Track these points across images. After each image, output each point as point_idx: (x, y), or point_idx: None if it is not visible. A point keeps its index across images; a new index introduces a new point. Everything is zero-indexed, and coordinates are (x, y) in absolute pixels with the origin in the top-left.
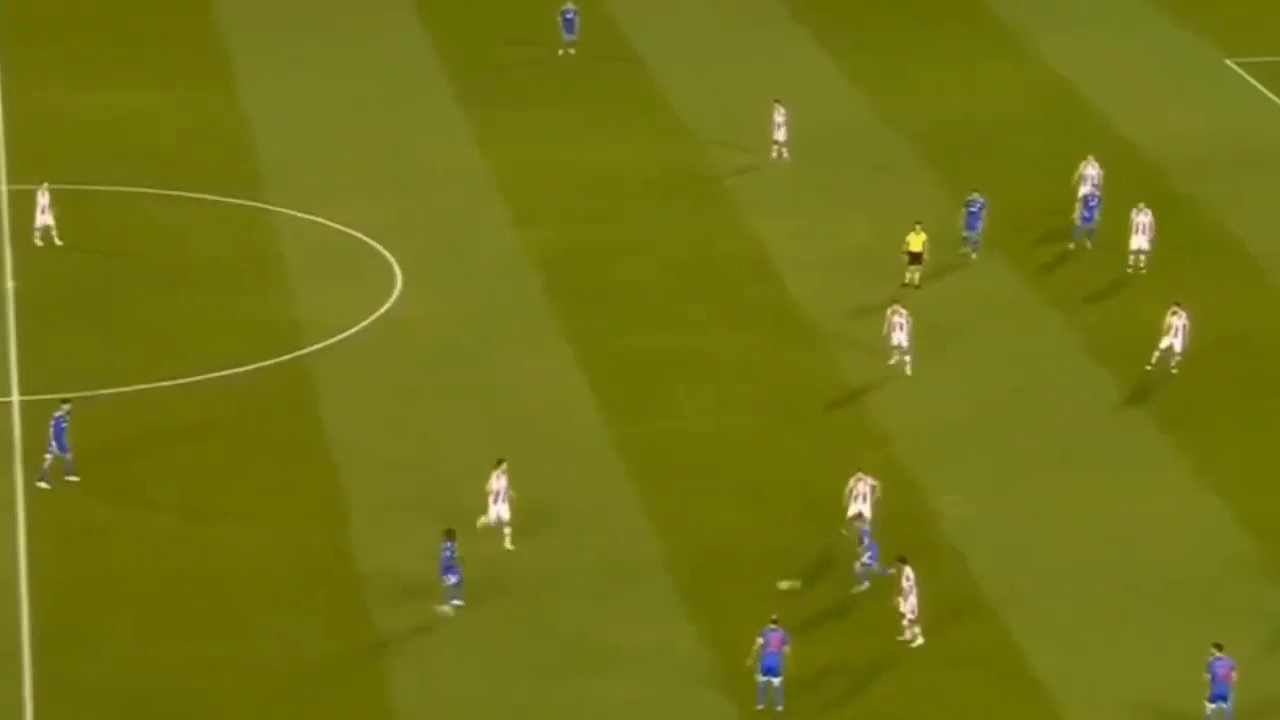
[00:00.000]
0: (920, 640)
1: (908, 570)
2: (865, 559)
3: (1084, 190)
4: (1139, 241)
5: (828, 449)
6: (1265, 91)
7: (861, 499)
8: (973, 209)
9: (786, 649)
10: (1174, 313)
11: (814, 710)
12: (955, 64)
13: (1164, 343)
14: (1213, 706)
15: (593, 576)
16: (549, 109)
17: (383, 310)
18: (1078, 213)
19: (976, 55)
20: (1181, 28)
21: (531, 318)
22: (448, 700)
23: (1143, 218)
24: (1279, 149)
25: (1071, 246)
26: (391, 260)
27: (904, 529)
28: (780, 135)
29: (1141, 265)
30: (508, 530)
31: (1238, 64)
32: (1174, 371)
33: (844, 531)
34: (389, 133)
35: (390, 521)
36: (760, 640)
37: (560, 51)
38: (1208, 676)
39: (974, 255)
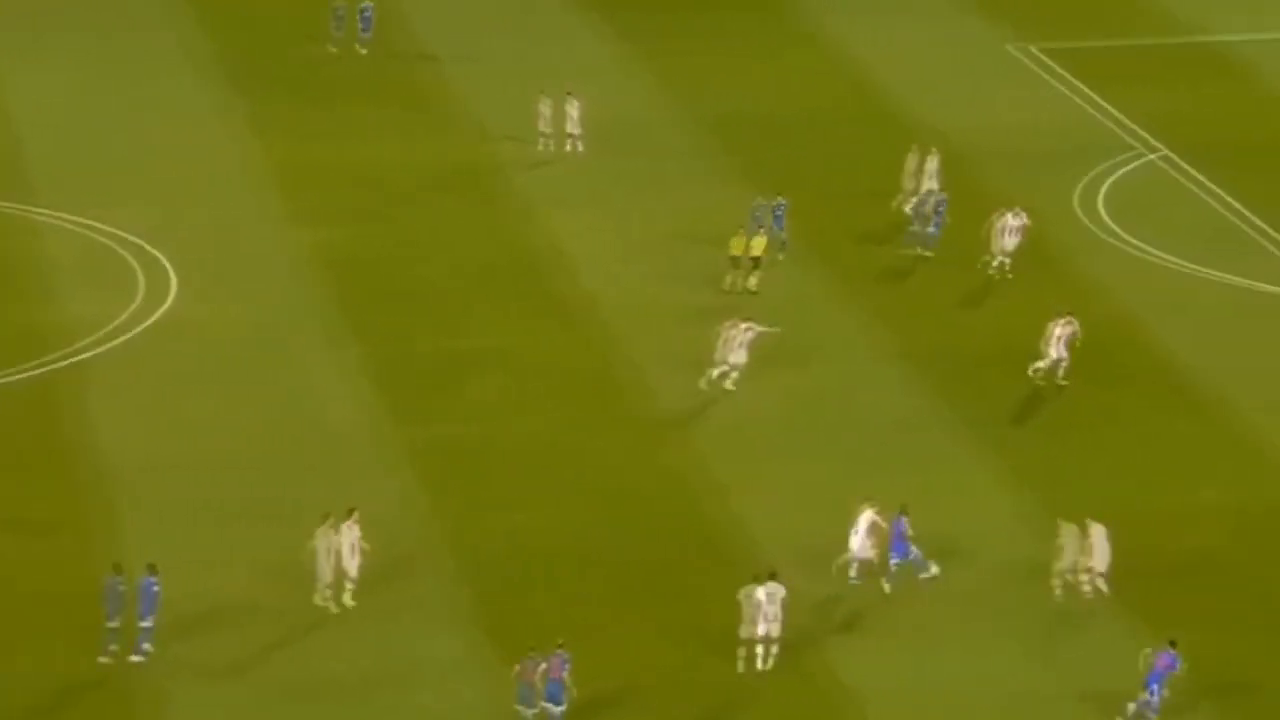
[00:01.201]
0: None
1: (771, 588)
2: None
3: (928, 185)
4: (1006, 243)
5: (631, 449)
6: (1068, 78)
7: (865, 531)
8: (777, 211)
9: (565, 674)
10: (1067, 323)
11: None
12: (752, 52)
13: (1051, 352)
14: (1155, 698)
15: (387, 586)
16: (335, 107)
17: (158, 315)
18: (914, 205)
19: (775, 43)
20: (978, 16)
21: (316, 320)
22: None
23: (1015, 221)
24: (1078, 137)
25: (928, 255)
26: (165, 263)
27: (707, 532)
28: (573, 128)
29: (1001, 269)
30: (350, 585)
31: (1040, 51)
32: (1062, 381)
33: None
34: (163, 132)
35: (164, 532)
36: (543, 663)
37: (358, 48)
38: (1146, 668)
39: (781, 256)
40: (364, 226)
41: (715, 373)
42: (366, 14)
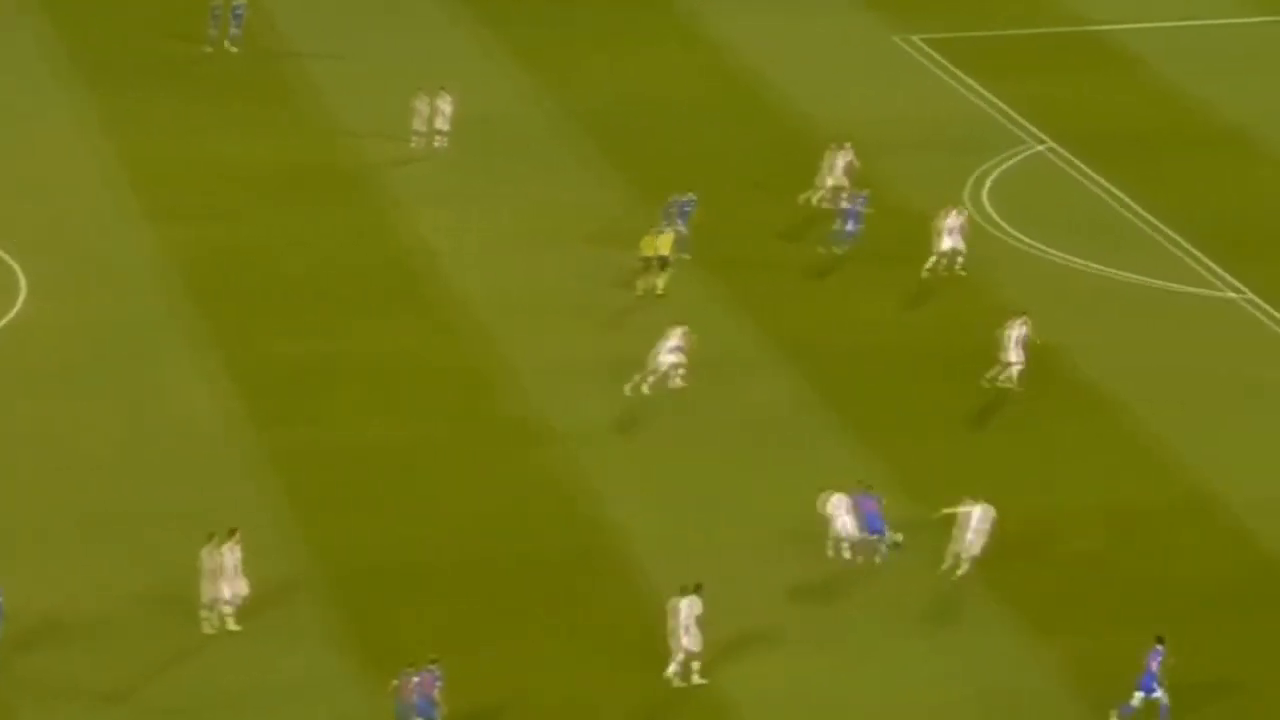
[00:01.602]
0: (701, 679)
1: (689, 601)
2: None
3: (834, 181)
4: (952, 241)
5: (506, 452)
6: (951, 69)
7: (844, 511)
8: (685, 208)
9: (437, 691)
10: (1023, 324)
11: None
12: (626, 45)
13: (1008, 356)
14: (1140, 695)
15: (255, 600)
16: (196, 104)
17: (9, 317)
18: (825, 199)
19: (649, 35)
20: (861, 7)
21: (174, 321)
22: None
23: (953, 220)
24: (962, 129)
25: (839, 252)
26: (13, 263)
27: (574, 536)
28: (443, 124)
29: (945, 267)
30: (230, 609)
31: (923, 41)
32: (1018, 388)
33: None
34: (10, 130)
35: (20, 550)
36: (415, 679)
37: (229, 46)
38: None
39: (685, 255)
40: (225, 225)
41: (651, 379)
42: (238, 12)
